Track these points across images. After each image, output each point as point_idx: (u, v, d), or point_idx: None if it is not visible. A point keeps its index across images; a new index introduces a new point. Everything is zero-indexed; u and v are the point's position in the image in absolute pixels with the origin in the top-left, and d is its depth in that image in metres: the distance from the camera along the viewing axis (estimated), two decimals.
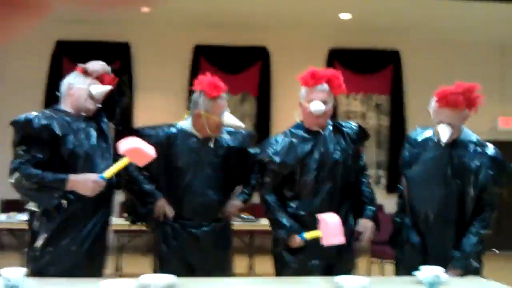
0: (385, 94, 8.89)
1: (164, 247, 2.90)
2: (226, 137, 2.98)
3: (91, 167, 2.61)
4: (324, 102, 2.77)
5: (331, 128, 2.90)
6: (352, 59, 8.70)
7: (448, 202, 2.78)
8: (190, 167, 2.86)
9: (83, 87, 2.67)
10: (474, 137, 2.88)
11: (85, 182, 2.50)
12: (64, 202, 2.51)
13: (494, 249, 7.12)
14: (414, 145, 2.95)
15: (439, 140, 2.78)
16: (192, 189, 2.87)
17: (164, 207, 2.89)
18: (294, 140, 2.83)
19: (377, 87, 8.83)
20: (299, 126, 2.90)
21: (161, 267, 2.86)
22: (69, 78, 2.72)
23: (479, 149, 2.81)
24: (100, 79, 2.73)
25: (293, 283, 2.39)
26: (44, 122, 2.51)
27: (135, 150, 2.42)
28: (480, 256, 2.79)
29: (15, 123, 2.51)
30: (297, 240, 2.71)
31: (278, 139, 2.86)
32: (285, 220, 2.76)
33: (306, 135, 2.85)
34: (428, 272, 2.33)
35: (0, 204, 5.68)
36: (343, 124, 2.97)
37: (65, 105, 2.69)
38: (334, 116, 9.38)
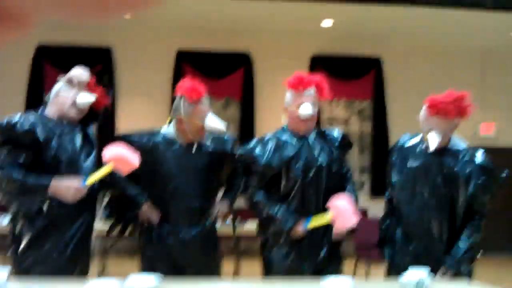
0: (367, 99, 8.97)
1: (150, 252, 2.88)
2: (208, 141, 2.97)
3: (74, 172, 2.59)
4: (313, 104, 2.80)
5: (314, 134, 2.92)
6: (335, 65, 8.76)
7: (437, 210, 2.80)
8: (174, 173, 2.84)
9: (69, 95, 2.66)
10: (463, 145, 2.90)
11: (66, 189, 2.49)
12: (45, 207, 2.49)
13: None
14: (401, 151, 2.97)
15: (427, 148, 2.81)
16: (177, 194, 2.85)
17: (149, 212, 2.87)
18: (279, 142, 2.84)
19: (359, 93, 8.91)
20: (284, 130, 2.91)
21: (147, 269, 2.83)
22: (58, 84, 2.72)
23: (468, 157, 2.83)
24: (87, 87, 2.72)
25: (280, 285, 2.39)
26: (27, 127, 2.49)
27: (120, 158, 2.43)
28: (471, 262, 2.80)
29: None
30: (301, 229, 2.73)
31: (264, 141, 2.87)
32: (280, 212, 2.77)
33: (292, 139, 2.86)
34: (413, 275, 2.34)
35: None
36: (327, 131, 3.00)
37: (49, 111, 2.69)
38: (317, 122, 9.45)
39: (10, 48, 7.39)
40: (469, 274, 2.80)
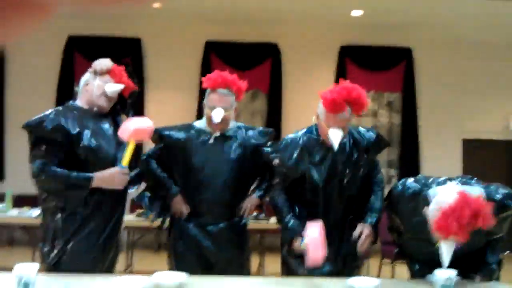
0: (397, 91, 8.84)
1: (179, 245, 2.91)
2: (242, 134, 2.99)
3: (110, 161, 2.62)
4: (343, 128, 2.63)
5: (346, 140, 2.77)
6: (364, 56, 8.65)
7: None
8: (204, 164, 2.87)
9: (99, 84, 2.69)
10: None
11: (111, 176, 2.55)
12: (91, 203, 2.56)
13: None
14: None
15: None
16: (207, 186, 2.87)
17: (180, 203, 2.90)
18: (306, 147, 2.76)
19: (388, 84, 8.78)
20: (313, 134, 2.79)
21: (177, 265, 2.87)
22: (86, 75, 2.77)
23: None
24: (115, 77, 2.73)
25: (305, 283, 2.38)
26: (56, 122, 2.52)
27: (135, 131, 2.57)
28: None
29: (27, 127, 2.53)
30: (297, 245, 2.63)
31: (293, 143, 2.79)
32: (290, 223, 2.72)
33: (320, 146, 2.76)
34: (440, 274, 2.31)
35: (12, 200, 5.71)
36: (361, 134, 2.83)
37: (80, 101, 2.72)
38: None
39: (42, 39, 7.51)
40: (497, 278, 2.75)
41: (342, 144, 2.70)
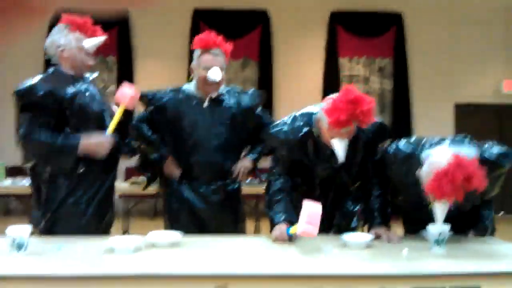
0: (388, 57, 8.80)
1: (173, 206, 2.91)
2: (233, 96, 2.96)
3: (102, 127, 2.59)
4: (347, 139, 2.45)
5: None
6: (354, 22, 8.59)
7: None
8: (194, 127, 2.85)
9: (75, 45, 2.59)
10: None
11: (98, 144, 2.52)
12: (81, 168, 2.52)
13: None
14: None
15: None
16: (198, 149, 2.86)
17: (172, 166, 2.90)
18: (307, 141, 2.60)
19: (380, 50, 8.74)
20: (312, 129, 2.58)
21: (171, 224, 2.88)
22: (55, 38, 2.61)
23: None
24: (86, 31, 2.63)
25: (301, 241, 2.39)
26: (47, 88, 2.47)
27: (132, 97, 2.60)
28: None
29: (17, 93, 2.47)
30: (278, 233, 2.46)
31: (295, 129, 2.60)
32: (281, 205, 2.58)
33: (321, 143, 2.59)
34: (433, 229, 2.32)
35: (5, 170, 5.69)
36: (363, 130, 2.59)
37: (64, 67, 2.62)
38: (336, 79, 9.27)
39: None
40: (491, 233, 2.77)
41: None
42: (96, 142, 2.52)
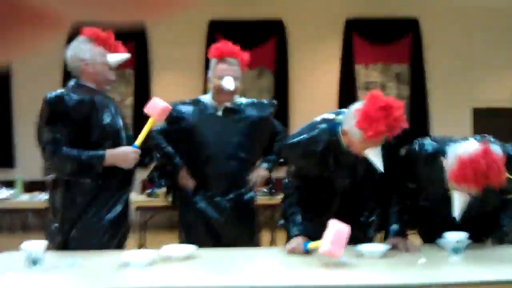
0: (405, 63, 8.74)
1: (188, 217, 2.92)
2: (247, 107, 2.97)
3: (120, 142, 2.60)
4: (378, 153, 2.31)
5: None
6: (370, 29, 8.55)
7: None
8: (211, 137, 2.85)
9: (100, 60, 2.59)
10: None
11: (124, 155, 2.52)
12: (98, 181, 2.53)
13: None
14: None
15: None
16: (214, 159, 2.87)
17: (186, 177, 2.90)
18: (329, 149, 2.46)
19: (396, 56, 8.68)
20: (334, 138, 2.43)
21: (187, 238, 2.88)
22: (77, 51, 2.58)
23: None
24: (109, 46, 2.63)
25: (314, 251, 2.37)
26: (77, 98, 2.46)
27: (162, 109, 2.59)
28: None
29: (50, 100, 2.43)
30: (295, 245, 2.39)
31: (312, 143, 2.47)
32: (292, 224, 2.50)
33: (343, 152, 2.45)
34: (451, 237, 2.29)
35: (23, 185, 5.75)
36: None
37: (85, 81, 2.60)
38: (352, 86, 9.22)
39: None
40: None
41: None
42: (123, 153, 2.53)
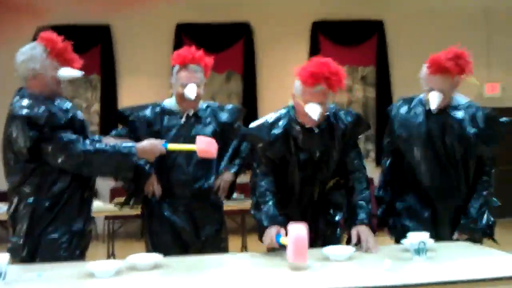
0: (371, 65, 8.86)
1: (154, 226, 2.90)
2: (212, 112, 2.97)
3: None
4: (322, 104, 2.50)
5: (325, 123, 2.66)
6: (336, 31, 8.65)
7: (450, 170, 2.80)
8: (173, 143, 2.82)
9: (50, 74, 2.51)
10: (464, 100, 2.89)
11: (153, 147, 2.60)
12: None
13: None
14: (400, 117, 2.92)
15: (429, 109, 2.78)
16: (179, 166, 2.86)
17: (153, 184, 2.87)
18: (285, 131, 2.66)
19: (362, 58, 8.80)
20: (291, 115, 2.67)
21: (153, 246, 2.86)
22: (29, 59, 2.49)
23: (472, 112, 2.82)
24: (64, 59, 2.57)
25: (282, 257, 2.39)
26: (67, 113, 2.50)
27: (206, 149, 2.64)
28: (489, 214, 2.80)
29: (43, 118, 2.40)
30: (269, 241, 2.45)
31: (270, 125, 2.68)
32: (271, 211, 2.57)
33: (298, 131, 2.65)
34: (414, 238, 2.33)
35: None
36: (339, 118, 2.69)
37: (32, 90, 2.50)
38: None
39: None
40: (490, 233, 2.83)
41: (320, 130, 2.64)
42: (153, 144, 2.60)
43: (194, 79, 2.82)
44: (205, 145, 2.64)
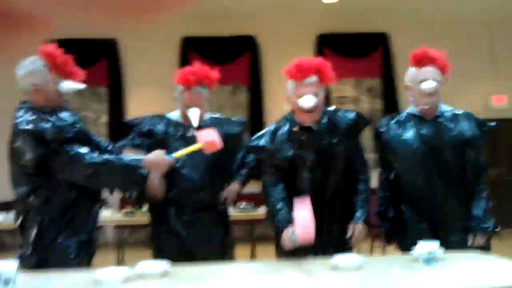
0: (377, 77, 8.88)
1: (160, 235, 2.90)
2: (218, 125, 2.98)
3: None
4: (315, 95, 2.58)
5: (325, 121, 2.73)
6: (341, 43, 8.68)
7: (448, 175, 2.79)
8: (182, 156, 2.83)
9: (52, 88, 2.54)
10: (448, 108, 2.93)
11: (162, 160, 2.59)
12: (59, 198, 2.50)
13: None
14: (391, 130, 2.91)
15: (422, 117, 2.79)
16: (185, 178, 2.86)
17: (156, 185, 2.83)
18: (286, 135, 2.72)
19: (368, 70, 8.82)
20: (289, 120, 2.75)
21: (158, 253, 2.86)
22: (30, 74, 2.51)
23: (463, 118, 2.86)
24: (65, 72, 2.58)
25: (290, 265, 2.38)
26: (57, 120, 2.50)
27: (210, 141, 2.60)
28: (491, 212, 2.82)
29: (52, 131, 2.44)
30: (286, 238, 2.53)
31: (271, 133, 2.75)
32: (282, 212, 2.63)
33: (298, 134, 2.71)
34: (423, 248, 2.32)
35: None
36: (339, 116, 2.76)
37: (35, 103, 2.53)
38: (326, 101, 9.37)
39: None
40: (487, 247, 2.81)
41: (319, 130, 2.69)
42: (161, 158, 2.59)
43: (197, 101, 2.85)
44: (207, 137, 2.62)
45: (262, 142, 2.73)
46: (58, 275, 2.28)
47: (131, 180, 2.56)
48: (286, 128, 2.72)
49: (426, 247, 2.33)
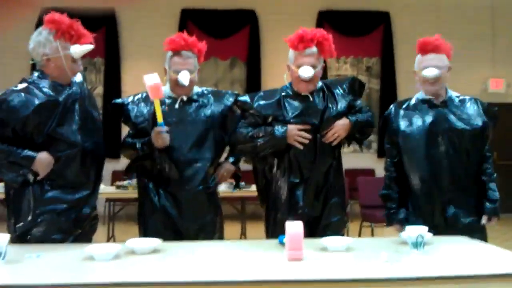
0: (376, 56, 8.83)
1: (148, 213, 2.90)
2: (208, 98, 2.97)
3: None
4: (313, 66, 2.74)
5: (321, 90, 2.88)
6: (342, 21, 8.62)
7: (456, 161, 2.81)
8: (172, 129, 2.78)
9: (62, 54, 2.54)
10: (455, 94, 2.95)
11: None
12: (30, 177, 2.48)
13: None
14: (399, 115, 2.95)
15: (432, 102, 2.81)
16: (173, 149, 2.80)
17: (159, 134, 2.74)
18: (281, 100, 2.85)
19: (367, 49, 8.77)
20: (288, 88, 2.89)
21: (145, 231, 2.86)
22: (38, 45, 2.54)
23: (471, 103, 2.90)
24: (72, 36, 2.58)
25: (279, 245, 2.40)
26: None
27: (154, 86, 2.67)
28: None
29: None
30: (293, 133, 2.73)
31: (266, 94, 2.91)
32: (267, 130, 2.78)
33: (294, 100, 2.85)
34: (412, 231, 2.34)
35: None
36: (333, 84, 2.93)
37: (49, 73, 2.57)
38: (324, 79, 9.38)
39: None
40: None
41: (315, 97, 2.82)
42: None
43: (187, 66, 2.82)
44: (151, 81, 2.68)
45: (248, 98, 2.88)
46: (49, 248, 2.30)
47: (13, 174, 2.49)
48: (281, 90, 2.88)
49: (416, 230, 2.35)
